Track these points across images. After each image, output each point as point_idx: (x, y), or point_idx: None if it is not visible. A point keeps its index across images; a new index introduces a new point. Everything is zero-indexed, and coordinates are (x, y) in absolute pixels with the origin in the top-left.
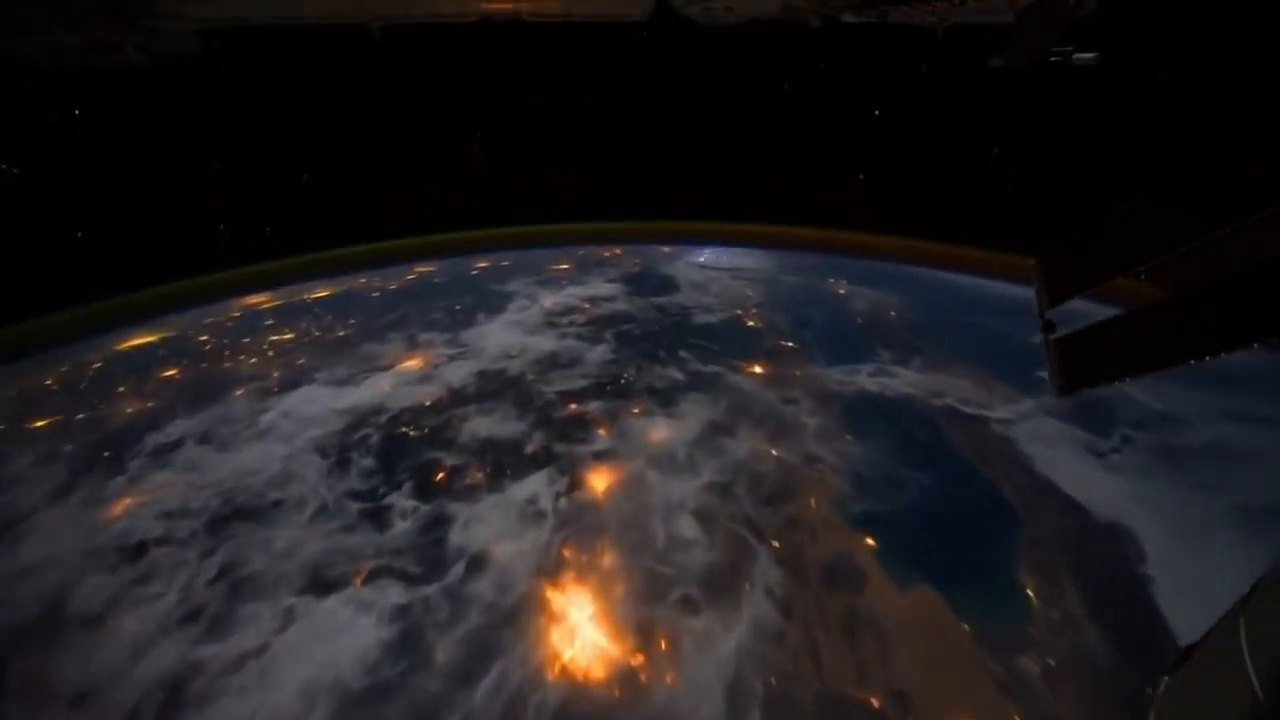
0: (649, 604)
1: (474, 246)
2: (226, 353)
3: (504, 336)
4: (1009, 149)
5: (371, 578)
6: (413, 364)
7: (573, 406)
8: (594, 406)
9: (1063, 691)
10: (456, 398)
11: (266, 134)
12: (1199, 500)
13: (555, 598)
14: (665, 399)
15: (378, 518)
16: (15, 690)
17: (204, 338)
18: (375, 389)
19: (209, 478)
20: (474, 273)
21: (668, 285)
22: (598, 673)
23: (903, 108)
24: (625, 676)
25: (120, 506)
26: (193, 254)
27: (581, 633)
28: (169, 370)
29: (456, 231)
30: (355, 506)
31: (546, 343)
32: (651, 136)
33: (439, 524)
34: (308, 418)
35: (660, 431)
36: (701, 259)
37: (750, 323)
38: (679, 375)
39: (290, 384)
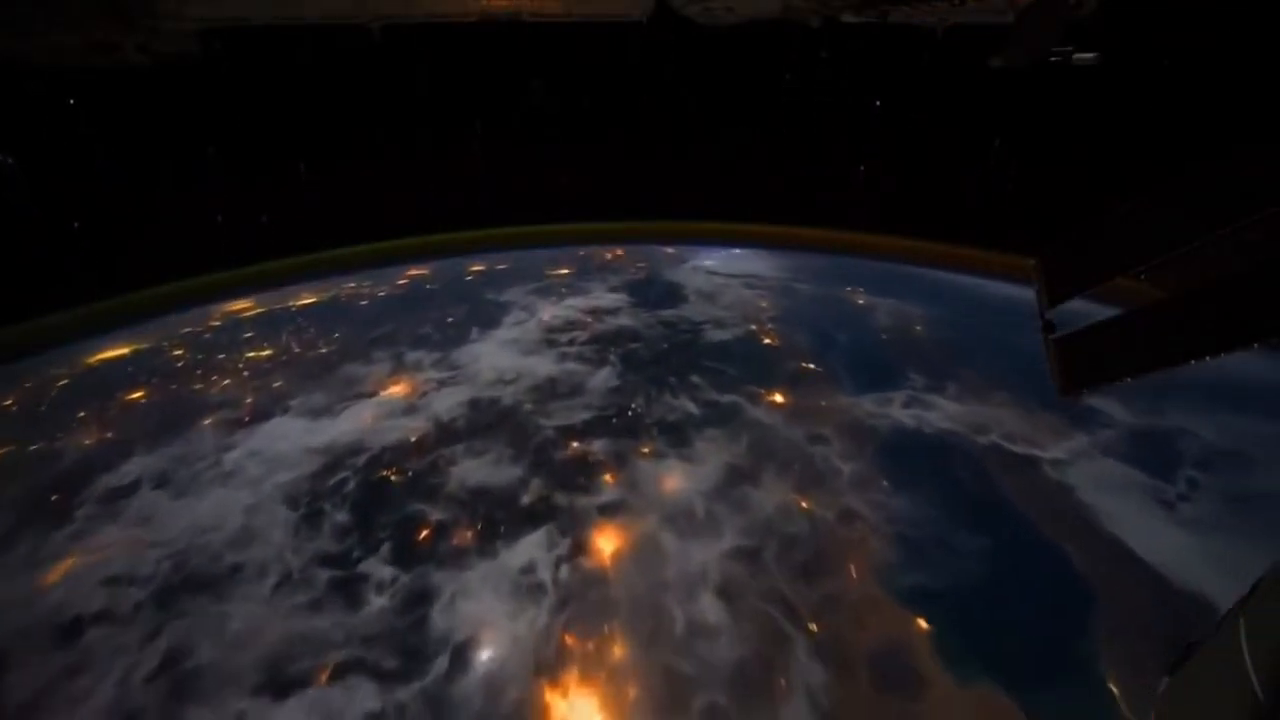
0: (669, 717)
1: (473, 247)
2: (198, 371)
3: (499, 357)
4: (1009, 149)
5: (339, 674)
6: (398, 390)
7: (574, 445)
8: (598, 446)
9: None
10: (445, 433)
11: (266, 134)
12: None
13: (556, 704)
14: (678, 436)
15: (350, 591)
16: None
17: (178, 352)
18: (355, 421)
19: (162, 533)
20: (468, 278)
21: (674, 295)
22: None
23: (903, 107)
24: None
25: (60, 569)
26: (192, 254)
27: None
28: (135, 392)
29: (456, 232)
30: (325, 575)
31: (545, 365)
32: (651, 136)
33: (420, 600)
34: (278, 457)
35: (674, 478)
36: (709, 264)
37: (767, 340)
38: (692, 407)
39: (263, 413)
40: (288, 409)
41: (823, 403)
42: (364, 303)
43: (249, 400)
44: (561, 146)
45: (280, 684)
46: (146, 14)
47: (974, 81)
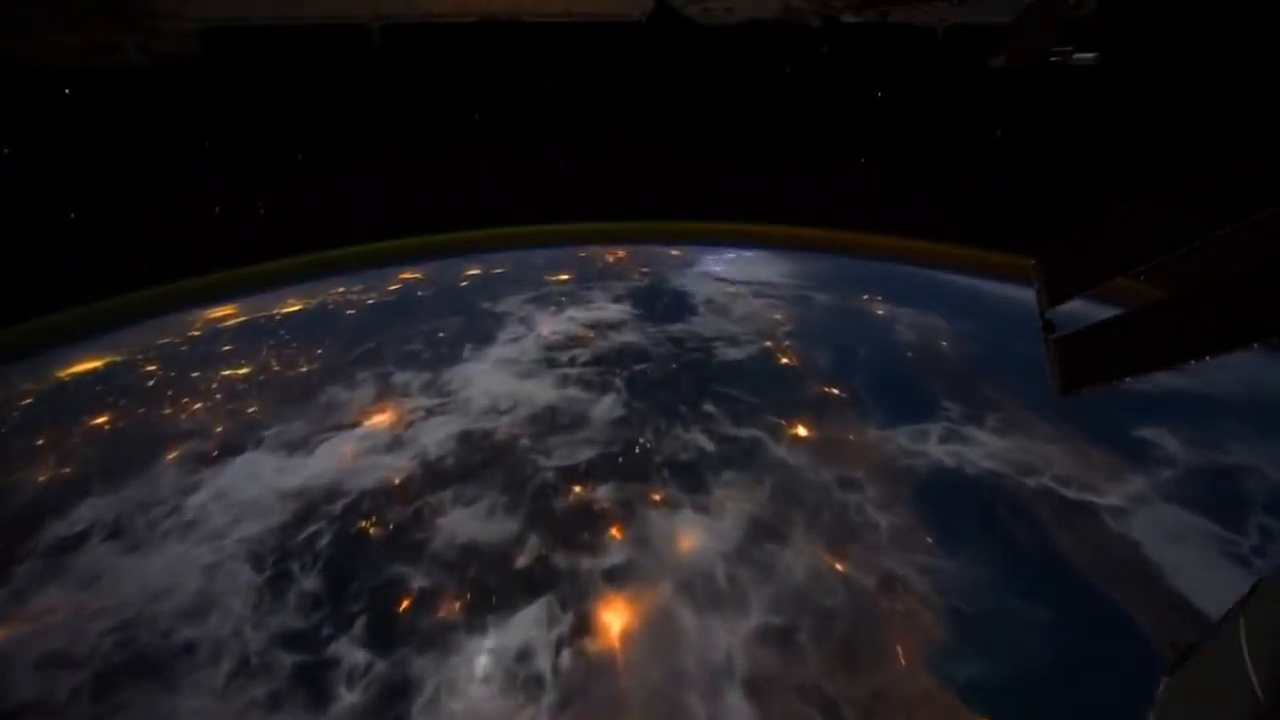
0: None
1: (472, 247)
2: (170, 392)
3: (493, 380)
4: (1009, 149)
5: None
6: (382, 420)
7: (577, 490)
8: (603, 492)
9: None
10: (432, 475)
11: (266, 134)
12: None
13: None
14: (693, 480)
15: (316, 681)
16: None
17: (151, 367)
18: (333, 458)
19: (109, 599)
20: (463, 284)
21: (682, 306)
22: None
23: (903, 107)
24: None
25: None
26: (192, 255)
27: None
28: (100, 416)
29: (456, 232)
30: (288, 660)
31: (544, 390)
32: (651, 136)
33: (398, 695)
34: (245, 503)
35: (690, 535)
36: (716, 269)
37: (784, 360)
38: (707, 443)
39: (233, 446)
40: (261, 441)
41: (850, 436)
42: (351, 311)
43: (219, 429)
44: (561, 146)
45: None
46: (146, 14)
47: (974, 81)
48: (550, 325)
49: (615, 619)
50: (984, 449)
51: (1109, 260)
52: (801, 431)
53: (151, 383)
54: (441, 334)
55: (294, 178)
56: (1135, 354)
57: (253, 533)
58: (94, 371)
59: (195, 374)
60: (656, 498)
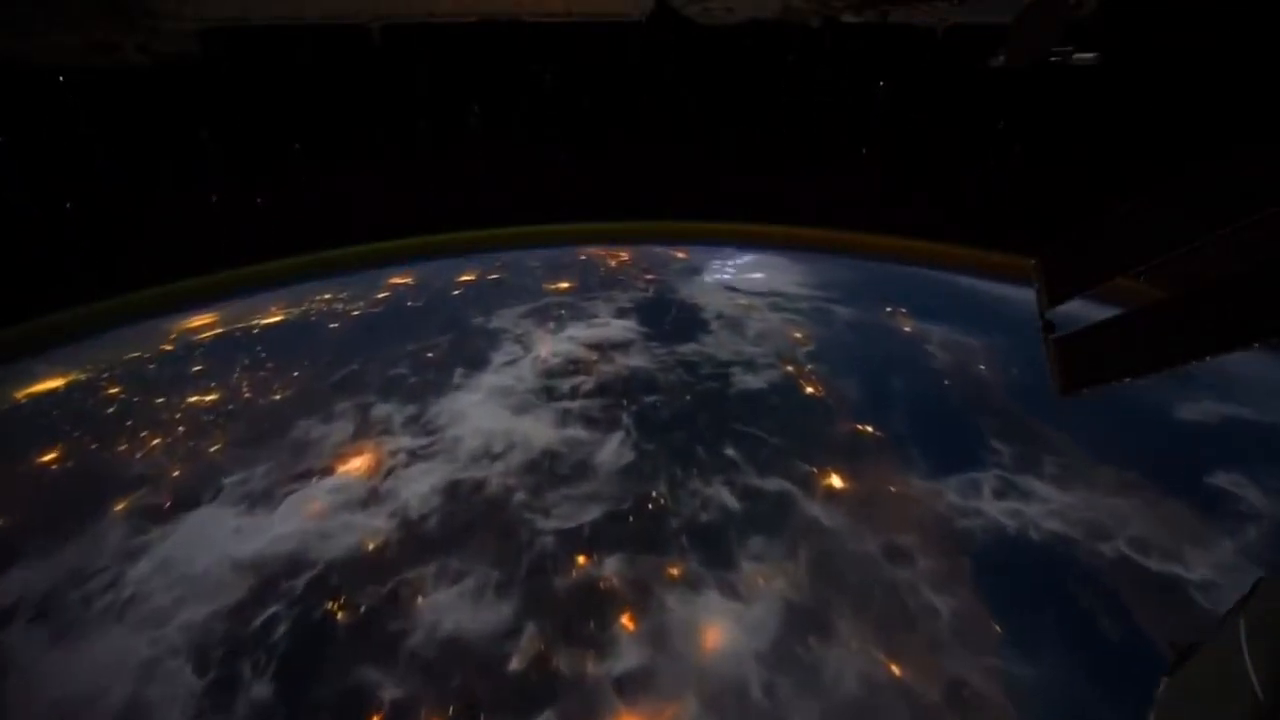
0: None
1: (472, 247)
2: (129, 423)
3: (485, 415)
4: (1009, 148)
5: None
6: (358, 465)
7: (581, 563)
8: (611, 567)
9: None
10: (412, 541)
11: (266, 133)
12: None
13: None
14: (715, 550)
15: None
16: None
17: (113, 390)
18: (299, 517)
19: (20, 708)
20: (455, 292)
21: (693, 322)
22: None
23: (903, 107)
24: None
25: None
26: (192, 254)
27: None
28: (49, 453)
29: (455, 232)
30: None
31: (541, 429)
32: (652, 136)
33: None
34: (194, 577)
35: (717, 626)
36: (724, 277)
37: (809, 389)
38: (729, 498)
39: (188, 498)
40: (219, 490)
41: (892, 489)
42: (335, 325)
43: (176, 474)
44: (561, 146)
45: None
46: (146, 14)
47: (974, 81)
48: (549, 346)
49: None
50: (1046, 505)
51: (1109, 260)
52: (836, 482)
53: (111, 409)
54: (430, 355)
55: (294, 177)
56: (1135, 354)
57: (199, 618)
58: (54, 392)
59: (160, 400)
60: (674, 573)
